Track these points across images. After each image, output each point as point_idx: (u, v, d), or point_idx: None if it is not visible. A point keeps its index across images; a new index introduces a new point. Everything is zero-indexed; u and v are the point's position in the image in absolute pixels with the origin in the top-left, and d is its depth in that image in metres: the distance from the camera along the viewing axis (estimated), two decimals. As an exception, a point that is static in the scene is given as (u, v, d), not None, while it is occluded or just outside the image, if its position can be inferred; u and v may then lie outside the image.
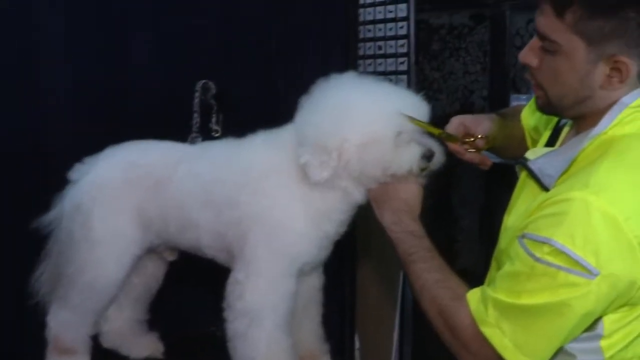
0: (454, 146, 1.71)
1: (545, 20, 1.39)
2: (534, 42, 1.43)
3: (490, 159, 1.75)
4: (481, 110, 3.24)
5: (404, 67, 3.16)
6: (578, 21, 1.35)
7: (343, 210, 1.74)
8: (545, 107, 1.48)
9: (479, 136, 1.69)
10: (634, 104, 1.40)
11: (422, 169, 1.66)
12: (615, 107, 1.39)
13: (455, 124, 1.73)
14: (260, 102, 2.46)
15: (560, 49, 1.38)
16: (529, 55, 1.44)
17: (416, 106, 1.69)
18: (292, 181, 1.72)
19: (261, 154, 1.77)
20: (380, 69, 3.23)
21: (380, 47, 3.23)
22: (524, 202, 1.50)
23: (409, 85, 3.18)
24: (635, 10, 1.33)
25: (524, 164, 1.47)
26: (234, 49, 2.43)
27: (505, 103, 3.01)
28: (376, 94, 1.67)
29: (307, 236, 1.74)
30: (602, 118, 1.40)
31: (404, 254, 1.56)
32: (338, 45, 2.79)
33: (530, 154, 1.48)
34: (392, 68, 3.20)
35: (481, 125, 1.72)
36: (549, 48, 1.40)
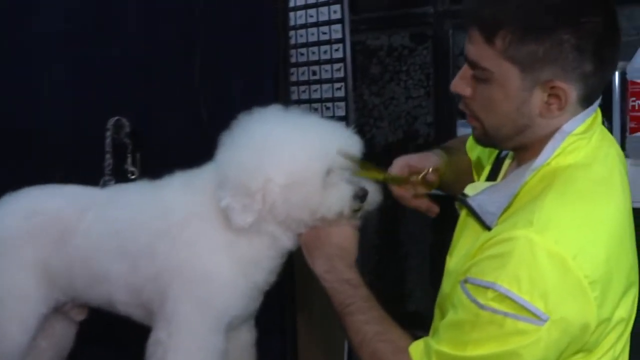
0: (399, 191, 1.70)
1: (475, 48, 1.40)
2: (465, 70, 1.44)
3: (436, 207, 1.73)
4: (426, 138, 3.27)
5: (341, 93, 3.17)
6: (509, 46, 1.36)
7: (272, 257, 1.74)
8: (482, 138, 1.49)
9: (429, 169, 1.69)
10: (576, 131, 1.41)
11: (355, 210, 1.65)
12: (557, 136, 1.40)
13: (400, 165, 1.71)
14: (182, 138, 2.43)
15: (492, 76, 1.39)
16: (460, 84, 1.45)
17: (348, 140, 1.69)
18: (215, 227, 1.71)
19: (180, 198, 1.75)
20: (316, 95, 3.24)
21: (314, 72, 3.24)
22: (465, 242, 1.50)
23: (347, 113, 3.20)
24: (570, 31, 1.34)
25: (463, 200, 1.47)
26: (150, 81, 2.41)
27: (451, 129, 3.04)
28: (302, 129, 1.67)
29: (234, 287, 1.72)
30: (543, 148, 1.41)
31: (340, 305, 1.55)
32: (268, 72, 2.79)
33: (469, 190, 1.48)
34: (328, 95, 3.21)
35: (429, 160, 1.71)
36: (481, 76, 1.41)
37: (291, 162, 1.61)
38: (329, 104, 3.18)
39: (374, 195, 1.68)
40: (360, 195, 1.64)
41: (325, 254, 1.62)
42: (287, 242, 1.70)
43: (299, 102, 3.23)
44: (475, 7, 1.41)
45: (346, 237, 1.65)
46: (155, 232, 1.74)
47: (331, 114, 3.25)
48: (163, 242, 1.72)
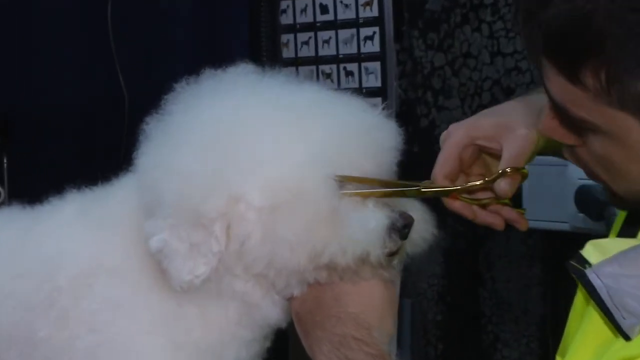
0: (453, 204, 1.75)
1: (556, 88, 1.46)
2: (555, 111, 1.51)
3: (524, 221, 1.78)
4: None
5: (373, 47, 3.19)
6: (609, 86, 1.40)
7: (245, 339, 1.75)
8: (617, 202, 1.57)
9: (507, 170, 1.72)
10: None
11: (391, 254, 1.66)
12: None
13: (458, 141, 1.76)
14: (81, 124, 2.47)
15: (599, 128, 1.46)
16: (556, 128, 1.53)
17: (379, 133, 1.71)
18: (141, 289, 1.73)
19: (75, 237, 1.76)
20: (327, 51, 3.25)
21: (325, 8, 3.27)
22: (584, 345, 1.51)
23: (384, 82, 3.21)
24: None
25: (579, 274, 1.47)
26: (29, 25, 2.45)
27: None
28: (297, 111, 1.67)
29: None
30: None
31: None
32: (238, 5, 2.83)
33: (592, 252, 1.48)
34: (350, 49, 3.22)
35: (510, 139, 1.74)
36: (582, 125, 1.48)
37: (276, 167, 1.62)
38: (352, 66, 3.20)
39: (424, 227, 1.68)
40: (400, 227, 1.63)
41: (334, 335, 1.64)
42: (270, 311, 1.71)
43: (295, 62, 3.27)
44: (531, 11, 1.43)
45: (373, 303, 1.66)
46: (32, 299, 1.76)
47: (355, 84, 3.27)
48: (47, 319, 1.74)
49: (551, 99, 1.49)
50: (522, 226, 1.80)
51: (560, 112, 1.49)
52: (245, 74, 1.74)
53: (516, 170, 1.73)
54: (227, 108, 1.68)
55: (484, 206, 1.78)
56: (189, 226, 1.64)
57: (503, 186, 1.73)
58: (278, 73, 1.75)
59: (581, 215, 2.83)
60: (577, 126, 1.48)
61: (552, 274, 3.15)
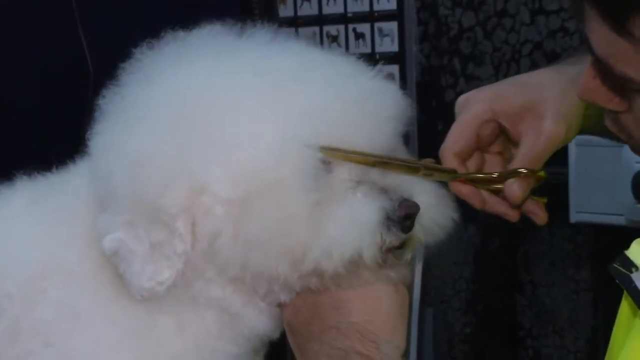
0: (460, 188, 1.76)
1: (599, 39, 1.48)
2: (597, 68, 1.53)
3: (543, 214, 1.79)
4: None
5: (388, 4, 3.16)
6: None
7: (229, 353, 1.74)
8: None
9: (520, 170, 1.75)
10: None
11: (395, 248, 1.65)
12: None
13: (475, 117, 1.78)
14: (48, 106, 2.48)
15: None
16: (597, 90, 1.55)
17: (372, 100, 1.69)
18: (103, 295, 1.73)
19: (27, 236, 1.77)
20: (333, 9, 3.23)
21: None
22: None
23: (403, 46, 3.19)
24: None
25: (622, 279, 1.47)
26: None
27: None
28: (269, 77, 1.67)
29: None
30: None
31: None
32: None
33: (638, 253, 1.47)
34: (361, 7, 3.17)
35: (533, 132, 1.77)
36: (626, 85, 1.49)
37: (246, 149, 1.60)
38: (363, 27, 3.17)
39: (439, 211, 1.68)
40: (401, 217, 1.61)
41: (334, 349, 1.65)
42: (255, 321, 1.72)
43: (295, 22, 3.28)
44: None
45: (380, 310, 1.67)
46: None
47: (367, 49, 3.23)
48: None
49: (593, 54, 1.51)
50: (540, 220, 1.81)
51: (602, 69, 1.51)
52: (213, 36, 1.73)
53: (532, 172, 1.73)
54: (191, 76, 1.68)
55: (495, 192, 1.76)
56: (147, 223, 1.65)
57: (515, 189, 1.76)
58: (257, 33, 1.74)
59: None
60: (622, 86, 1.50)
61: (604, 278, 3.14)
